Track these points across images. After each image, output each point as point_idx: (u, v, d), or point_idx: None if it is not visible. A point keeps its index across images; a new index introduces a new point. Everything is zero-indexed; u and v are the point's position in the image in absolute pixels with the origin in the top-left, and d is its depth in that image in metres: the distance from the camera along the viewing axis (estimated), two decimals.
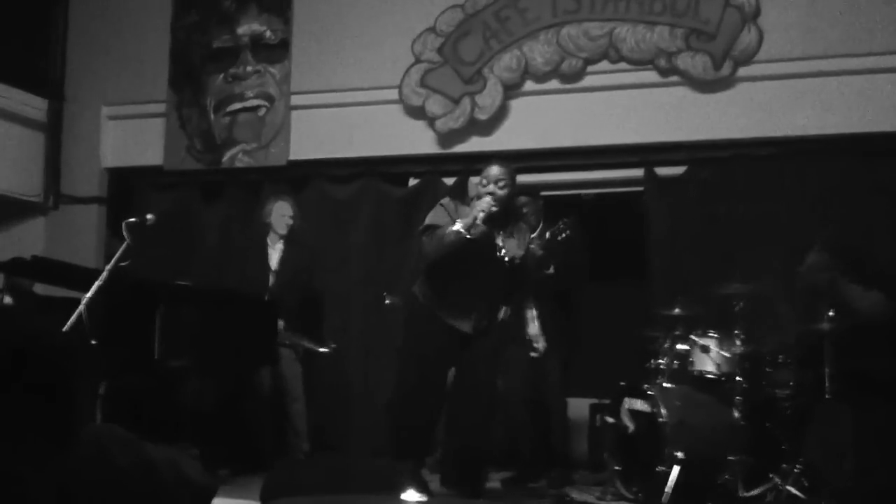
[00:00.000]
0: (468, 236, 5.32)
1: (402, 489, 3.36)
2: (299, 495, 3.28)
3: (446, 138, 7.65)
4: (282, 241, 6.94)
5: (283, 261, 6.90)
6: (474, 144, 7.62)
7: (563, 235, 6.04)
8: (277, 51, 8.02)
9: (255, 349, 6.33)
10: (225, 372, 6.47)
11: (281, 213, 6.95)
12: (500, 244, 5.48)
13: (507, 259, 5.45)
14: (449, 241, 5.35)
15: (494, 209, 5.37)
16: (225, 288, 7.14)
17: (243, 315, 6.25)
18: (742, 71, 7.15)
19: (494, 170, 5.53)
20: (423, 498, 3.37)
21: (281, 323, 6.59)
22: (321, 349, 6.88)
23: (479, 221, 5.32)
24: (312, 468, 5.04)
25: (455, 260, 5.39)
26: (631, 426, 5.93)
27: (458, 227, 5.33)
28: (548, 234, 6.14)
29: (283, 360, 6.71)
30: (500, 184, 5.48)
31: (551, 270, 6.33)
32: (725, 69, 7.13)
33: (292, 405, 6.77)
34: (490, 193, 5.42)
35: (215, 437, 6.40)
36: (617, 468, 5.92)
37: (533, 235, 6.60)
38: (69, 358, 2.23)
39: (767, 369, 5.98)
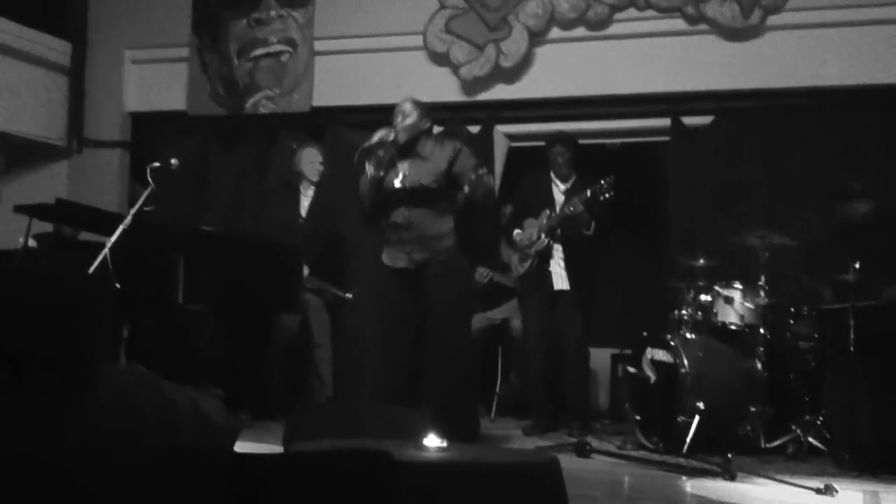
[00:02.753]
0: (379, 173, 5.47)
1: (423, 435, 3.36)
2: (319, 439, 3.28)
3: (470, 86, 7.57)
4: (312, 187, 6.94)
5: (312, 207, 6.91)
6: (499, 92, 7.55)
7: (606, 196, 6.04)
8: None
9: (279, 295, 6.35)
10: (246, 317, 6.48)
11: (311, 160, 6.96)
12: (402, 172, 5.52)
13: (401, 184, 5.48)
14: (366, 186, 5.53)
15: (390, 138, 5.46)
16: (248, 234, 7.15)
17: (266, 261, 6.26)
18: (771, 19, 7.03)
19: (405, 105, 5.60)
20: (444, 443, 3.37)
21: (306, 269, 6.59)
22: (345, 295, 6.89)
23: (371, 143, 5.47)
24: (334, 413, 5.06)
25: (380, 199, 5.51)
26: (652, 376, 5.92)
27: (369, 172, 5.50)
28: (589, 193, 6.13)
29: (309, 306, 6.72)
30: (400, 118, 5.54)
31: (591, 231, 6.32)
32: (754, 17, 7.01)
33: (316, 351, 6.80)
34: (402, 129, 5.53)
35: (237, 381, 6.43)
36: (637, 418, 5.92)
37: (566, 186, 6.58)
38: (90, 300, 2.23)
39: (790, 321, 5.95)
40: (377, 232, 5.78)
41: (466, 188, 5.34)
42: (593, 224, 6.31)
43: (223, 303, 6.14)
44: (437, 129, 6.05)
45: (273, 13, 7.96)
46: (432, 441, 3.29)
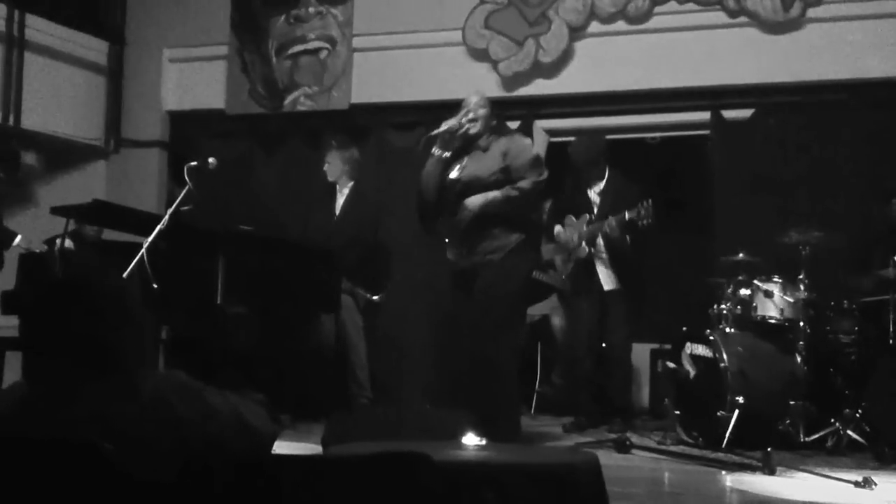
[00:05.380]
0: (445, 154, 5.44)
1: (461, 435, 3.37)
2: (358, 440, 3.31)
3: (510, 81, 7.56)
4: (347, 189, 6.95)
5: (347, 210, 6.91)
6: (538, 87, 7.53)
7: (645, 222, 6.00)
8: None
9: (315, 297, 6.36)
10: (284, 319, 6.50)
11: (339, 163, 6.95)
12: (460, 166, 5.48)
13: (458, 175, 5.44)
14: (431, 170, 5.47)
15: (464, 128, 5.43)
16: (286, 236, 7.17)
17: (304, 263, 6.27)
18: (812, 12, 6.98)
19: (474, 98, 5.57)
20: (483, 441, 3.38)
21: (342, 270, 6.60)
22: (373, 297, 6.86)
23: (440, 131, 5.43)
24: (372, 415, 5.09)
25: (437, 188, 5.46)
26: (692, 372, 5.90)
27: (435, 153, 5.45)
28: (627, 217, 6.11)
29: (344, 308, 6.71)
30: (472, 110, 5.50)
31: (631, 237, 6.31)
32: (795, 9, 6.96)
33: (351, 354, 6.80)
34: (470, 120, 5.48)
35: (277, 384, 6.45)
36: (677, 413, 5.92)
37: (601, 187, 6.53)
38: (127, 304, 2.25)
39: (831, 315, 5.92)
40: (434, 231, 5.71)
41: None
42: (631, 228, 6.26)
43: (261, 305, 6.15)
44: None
45: (312, 10, 7.99)
46: (471, 440, 3.30)
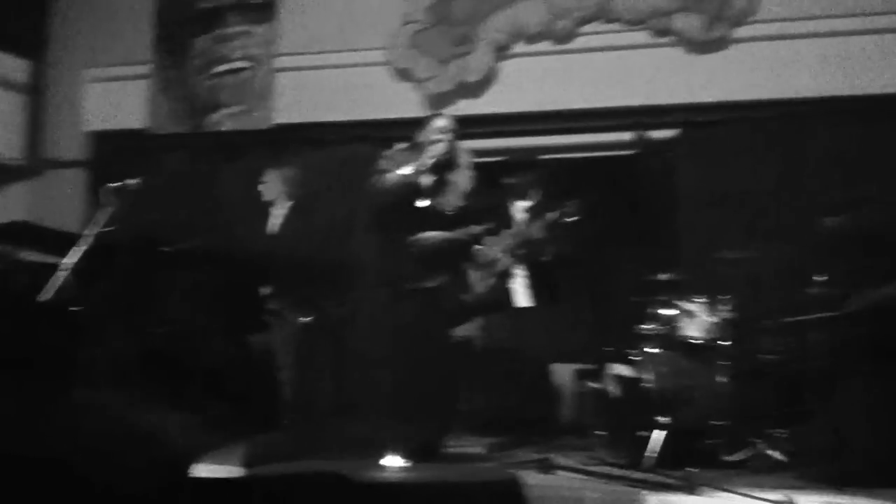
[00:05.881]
0: (416, 179, 5.42)
1: (385, 454, 3.33)
2: (279, 461, 3.27)
3: (435, 101, 7.53)
4: (284, 208, 6.89)
5: (286, 229, 6.85)
6: (464, 107, 7.50)
7: (568, 220, 6.02)
8: (263, 11, 7.89)
9: (243, 315, 6.29)
10: (211, 337, 6.42)
11: (277, 182, 6.89)
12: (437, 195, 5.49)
13: (444, 210, 5.46)
14: (393, 183, 5.45)
15: (445, 157, 5.46)
16: (214, 252, 7.07)
17: (232, 280, 6.20)
18: (737, 31, 7.06)
19: (443, 121, 5.61)
20: (405, 462, 3.34)
21: (272, 290, 6.53)
22: (300, 318, 6.80)
23: (427, 165, 5.42)
24: (294, 436, 5.02)
25: (398, 208, 5.45)
26: (616, 392, 5.91)
27: (406, 170, 5.43)
28: (550, 217, 6.11)
29: (274, 327, 6.64)
30: (448, 134, 5.56)
31: (548, 258, 6.31)
32: (720, 29, 7.04)
33: (279, 374, 6.72)
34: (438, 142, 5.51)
35: (202, 403, 6.36)
36: (601, 434, 5.90)
37: (527, 205, 6.55)
38: (37, 327, 2.20)
39: (755, 334, 5.95)
40: (387, 244, 5.72)
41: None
42: (553, 249, 6.28)
43: (188, 323, 6.07)
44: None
45: (236, 29, 7.92)
46: (392, 460, 3.26)
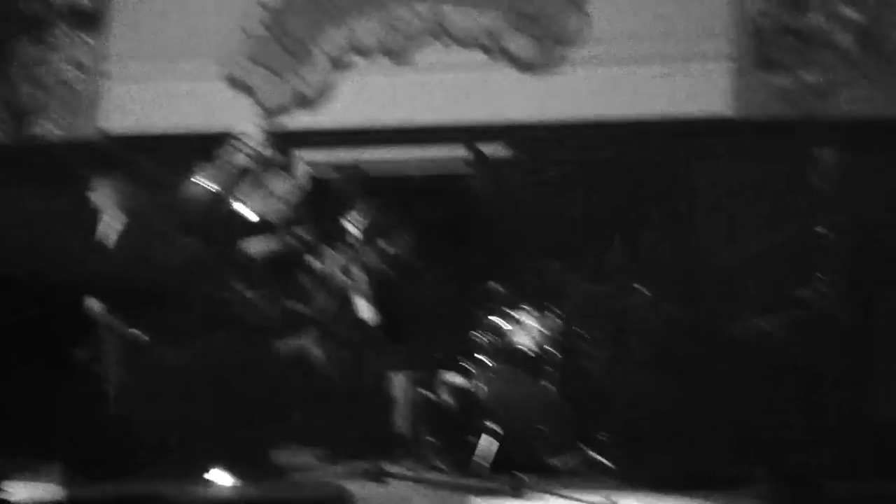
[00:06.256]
0: (224, 190, 5.46)
1: (208, 469, 3.28)
2: (100, 480, 3.18)
3: (271, 114, 7.48)
4: (115, 221, 6.70)
5: (117, 244, 6.66)
6: (300, 121, 7.47)
7: (402, 232, 6.08)
8: (93, 18, 7.68)
9: (67, 333, 6.12)
10: (36, 356, 6.23)
11: (108, 194, 6.70)
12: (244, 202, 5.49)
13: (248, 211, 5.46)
14: (201, 193, 5.54)
15: (252, 165, 5.54)
16: (33, 271, 6.84)
17: (54, 303, 6.04)
18: (568, 54, 7.24)
19: (251, 128, 5.73)
20: (231, 479, 3.29)
21: (103, 307, 6.34)
22: (135, 334, 6.63)
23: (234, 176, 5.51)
24: (117, 454, 4.89)
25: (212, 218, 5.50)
26: (447, 399, 5.97)
27: (212, 181, 5.54)
28: (383, 229, 6.17)
29: (103, 343, 6.45)
30: (255, 143, 5.64)
31: (383, 269, 6.35)
32: (551, 51, 7.21)
33: (104, 389, 6.53)
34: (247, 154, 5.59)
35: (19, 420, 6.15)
36: (432, 441, 5.96)
37: (360, 219, 6.57)
38: None
39: (582, 343, 6.12)
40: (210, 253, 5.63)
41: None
42: (388, 260, 6.33)
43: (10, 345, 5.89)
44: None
45: (63, 35, 7.69)
46: (217, 476, 3.19)
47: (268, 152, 5.58)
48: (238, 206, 5.45)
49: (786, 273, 6.01)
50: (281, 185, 5.57)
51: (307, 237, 6.90)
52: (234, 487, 3.23)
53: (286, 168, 7.38)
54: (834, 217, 5.84)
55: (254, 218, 5.46)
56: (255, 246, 5.46)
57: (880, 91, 6.91)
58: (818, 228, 5.81)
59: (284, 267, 5.72)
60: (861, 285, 5.86)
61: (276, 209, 5.46)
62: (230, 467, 3.36)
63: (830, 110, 6.93)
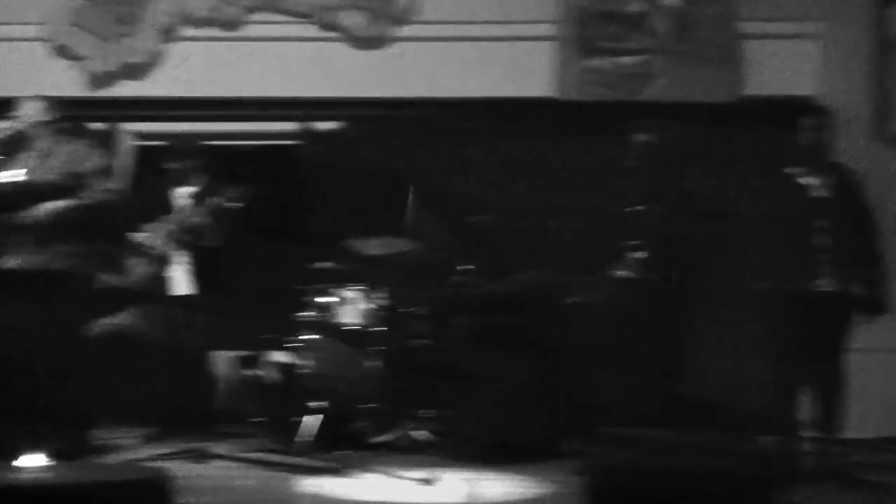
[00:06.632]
0: None
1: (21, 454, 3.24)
2: None
3: (96, 81, 7.28)
4: None
5: None
6: (126, 89, 7.31)
7: (229, 207, 6.04)
8: None
9: None
10: None
11: None
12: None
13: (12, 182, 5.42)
14: None
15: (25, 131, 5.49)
16: None
17: None
18: (399, 30, 7.29)
19: (28, 101, 5.64)
20: (47, 462, 3.26)
21: None
22: None
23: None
24: None
25: None
26: (273, 378, 6.02)
27: None
28: (210, 203, 6.12)
29: None
30: (33, 113, 5.57)
31: (208, 245, 6.30)
32: (384, 27, 7.25)
33: None
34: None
35: None
36: (259, 420, 6.00)
37: (189, 191, 6.50)
38: None
39: (408, 321, 6.24)
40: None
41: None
42: (214, 236, 6.29)
43: None
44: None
45: None
46: (30, 460, 3.15)
47: (51, 119, 5.48)
48: (8, 174, 5.34)
49: (603, 248, 6.28)
50: (68, 152, 5.45)
51: (126, 207, 6.79)
52: (45, 472, 3.19)
53: (75, 134, 7.23)
54: (648, 195, 6.13)
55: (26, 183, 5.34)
56: (42, 212, 5.32)
57: (694, 76, 7.22)
58: (633, 206, 6.09)
59: (98, 237, 5.58)
60: (674, 260, 6.18)
61: (60, 176, 5.34)
62: (44, 449, 3.31)
63: (647, 93, 7.22)
